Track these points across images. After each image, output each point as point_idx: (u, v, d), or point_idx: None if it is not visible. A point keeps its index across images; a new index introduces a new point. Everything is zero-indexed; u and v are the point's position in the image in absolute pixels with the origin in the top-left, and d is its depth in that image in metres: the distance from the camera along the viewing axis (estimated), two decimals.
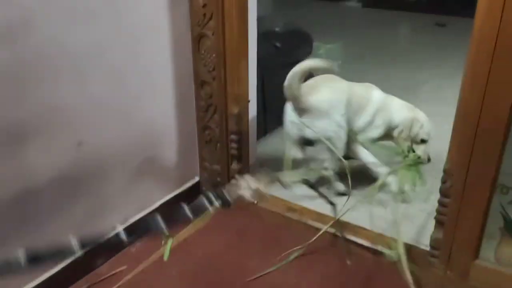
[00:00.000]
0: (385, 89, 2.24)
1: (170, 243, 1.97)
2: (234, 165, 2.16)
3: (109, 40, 1.66)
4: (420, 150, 2.05)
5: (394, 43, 5.12)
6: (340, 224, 1.89)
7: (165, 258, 1.90)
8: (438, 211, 1.62)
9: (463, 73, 1.42)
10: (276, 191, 2.23)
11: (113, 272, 1.81)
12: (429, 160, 2.10)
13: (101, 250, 1.81)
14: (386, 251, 1.74)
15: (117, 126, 1.79)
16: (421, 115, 2.12)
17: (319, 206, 2.08)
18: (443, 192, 1.57)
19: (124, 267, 1.83)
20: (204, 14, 1.88)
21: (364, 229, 1.89)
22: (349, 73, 2.38)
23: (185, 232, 2.05)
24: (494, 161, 1.42)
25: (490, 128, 1.40)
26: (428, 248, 1.71)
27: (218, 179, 2.20)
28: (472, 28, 1.35)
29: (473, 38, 1.36)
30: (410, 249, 1.78)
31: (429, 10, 5.86)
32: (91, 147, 1.70)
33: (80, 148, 1.66)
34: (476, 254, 1.58)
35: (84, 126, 1.66)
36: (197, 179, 2.28)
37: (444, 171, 1.54)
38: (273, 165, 2.48)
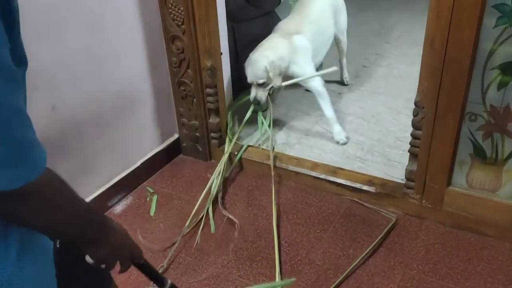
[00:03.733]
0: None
1: (155, 199, 2.02)
2: (212, 119, 2.17)
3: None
4: (252, 92, 2.22)
5: None
6: None
7: (152, 213, 1.94)
8: (411, 144, 1.68)
9: (429, 5, 1.44)
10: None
11: None
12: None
13: None
14: None
15: (89, 86, 1.77)
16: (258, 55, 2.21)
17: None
18: (415, 125, 1.62)
19: None
20: None
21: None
22: None
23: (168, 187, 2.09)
24: (462, 89, 1.47)
25: (457, 56, 1.44)
26: (404, 181, 1.78)
27: (197, 134, 2.22)
28: None
29: None
30: (387, 183, 1.85)
31: None
32: (65, 110, 1.69)
33: (55, 112, 1.65)
34: (448, 181, 1.66)
35: (56, 89, 1.65)
36: (176, 136, 2.29)
37: (415, 103, 1.59)
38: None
